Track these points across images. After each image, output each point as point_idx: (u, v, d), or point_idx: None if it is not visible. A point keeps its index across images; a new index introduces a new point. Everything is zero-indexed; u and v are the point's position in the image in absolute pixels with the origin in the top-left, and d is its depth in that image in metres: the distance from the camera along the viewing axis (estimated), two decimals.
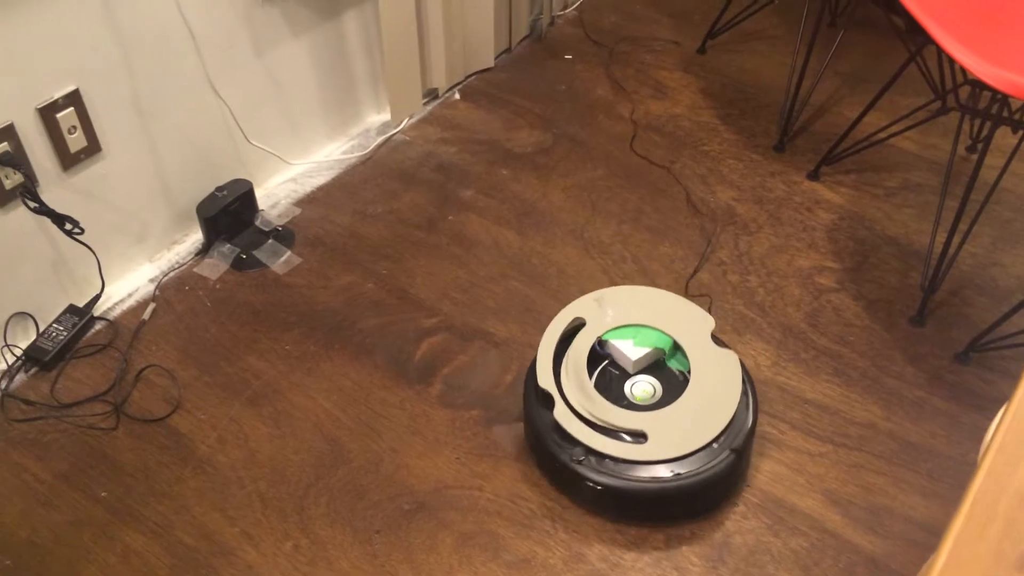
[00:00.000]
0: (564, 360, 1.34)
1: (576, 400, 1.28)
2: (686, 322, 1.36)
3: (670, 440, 1.23)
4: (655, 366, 1.36)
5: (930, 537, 1.25)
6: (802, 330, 1.54)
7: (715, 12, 2.25)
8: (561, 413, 1.26)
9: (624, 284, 1.61)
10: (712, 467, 1.22)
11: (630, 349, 1.34)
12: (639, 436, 1.25)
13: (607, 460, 1.22)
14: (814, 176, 1.85)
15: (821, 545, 1.24)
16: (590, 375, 1.34)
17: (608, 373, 1.35)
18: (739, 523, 1.27)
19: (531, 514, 1.27)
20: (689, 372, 1.31)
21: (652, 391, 1.33)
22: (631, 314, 1.38)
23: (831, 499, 1.30)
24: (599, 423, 1.26)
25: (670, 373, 1.35)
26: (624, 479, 1.21)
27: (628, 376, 1.34)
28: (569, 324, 1.38)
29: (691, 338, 1.34)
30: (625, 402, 1.31)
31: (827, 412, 1.41)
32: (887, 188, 1.83)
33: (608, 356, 1.37)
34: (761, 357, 1.49)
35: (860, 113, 1.81)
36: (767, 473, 1.33)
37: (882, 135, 1.91)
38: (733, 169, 1.87)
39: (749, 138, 1.95)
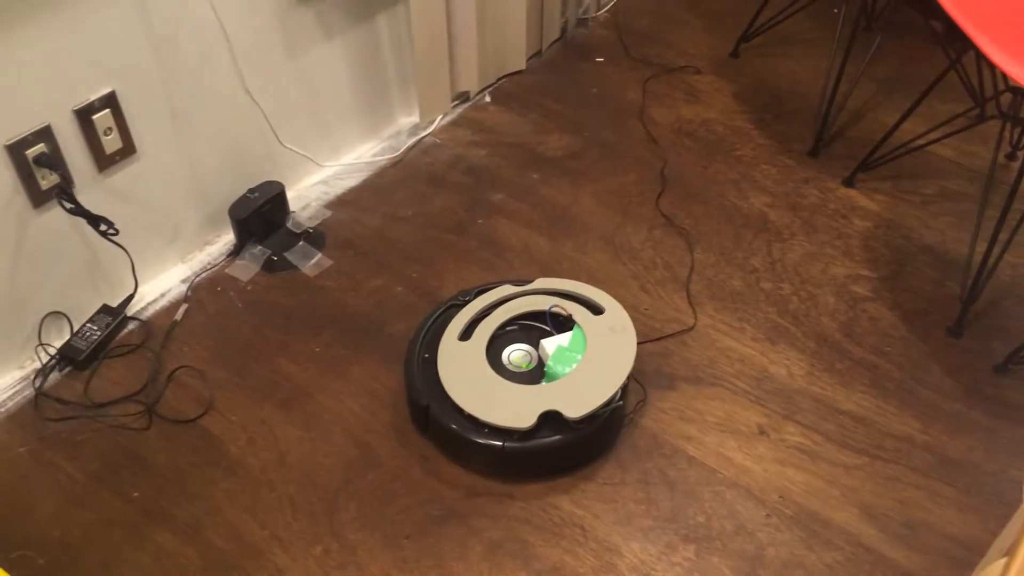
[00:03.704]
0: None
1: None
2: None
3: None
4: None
5: (968, 553, 1.23)
6: (837, 340, 1.51)
7: (749, 15, 2.22)
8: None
9: (655, 290, 1.59)
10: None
11: (560, 340, 1.37)
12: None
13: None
14: (849, 183, 1.82)
15: (856, 560, 1.22)
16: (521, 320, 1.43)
17: (527, 328, 1.43)
18: (772, 535, 1.25)
19: (561, 522, 1.26)
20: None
21: (528, 360, 1.39)
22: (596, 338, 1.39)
23: (866, 513, 1.28)
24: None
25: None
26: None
27: (522, 342, 1.41)
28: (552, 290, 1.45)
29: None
30: (499, 361, 1.39)
31: (863, 424, 1.39)
32: (924, 196, 1.80)
33: (547, 322, 1.42)
34: (795, 367, 1.47)
35: (898, 120, 1.79)
36: (801, 485, 1.31)
37: (920, 142, 1.88)
38: (767, 175, 1.85)
39: (783, 143, 1.93)
